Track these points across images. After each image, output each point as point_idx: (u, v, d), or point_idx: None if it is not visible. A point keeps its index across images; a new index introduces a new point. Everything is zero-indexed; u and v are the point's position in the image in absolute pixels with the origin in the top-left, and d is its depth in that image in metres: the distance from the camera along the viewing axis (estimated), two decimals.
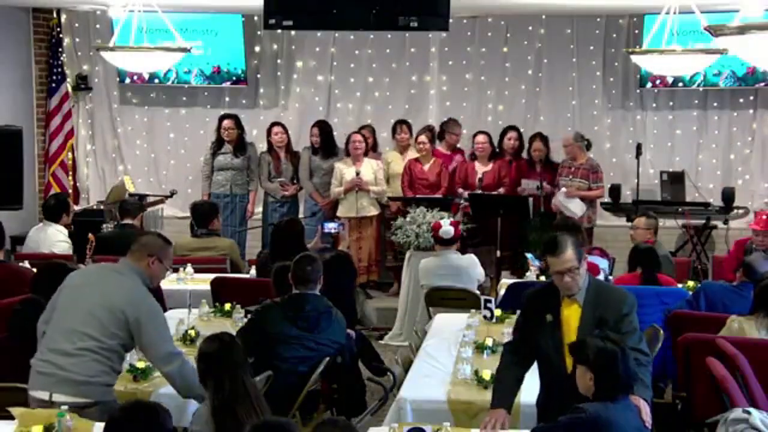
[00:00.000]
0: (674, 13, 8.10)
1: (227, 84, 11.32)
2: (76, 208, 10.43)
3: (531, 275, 8.04)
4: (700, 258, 10.11)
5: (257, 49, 11.37)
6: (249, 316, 6.07)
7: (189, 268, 7.65)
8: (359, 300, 7.28)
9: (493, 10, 10.74)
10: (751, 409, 4.60)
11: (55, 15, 11.26)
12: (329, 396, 5.55)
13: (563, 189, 9.51)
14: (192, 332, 5.89)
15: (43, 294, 4.95)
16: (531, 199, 9.42)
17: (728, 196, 10.20)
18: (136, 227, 8.19)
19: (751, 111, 10.90)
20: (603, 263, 7.27)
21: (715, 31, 6.33)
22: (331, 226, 8.41)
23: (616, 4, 10.09)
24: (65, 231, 8.16)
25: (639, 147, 10.07)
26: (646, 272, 6.83)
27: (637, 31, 10.72)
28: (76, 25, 11.46)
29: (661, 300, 6.49)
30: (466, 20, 11.06)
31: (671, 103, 11.03)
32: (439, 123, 10.58)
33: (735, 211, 10.26)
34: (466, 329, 6.04)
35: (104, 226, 8.91)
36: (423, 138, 9.85)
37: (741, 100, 10.87)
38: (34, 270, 6.40)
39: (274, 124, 10.32)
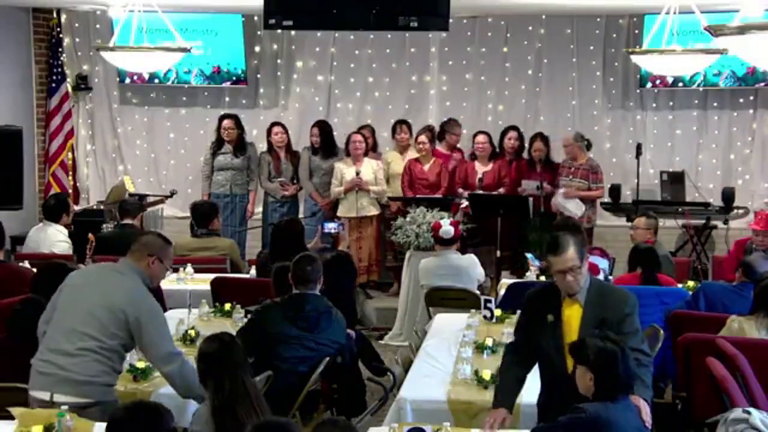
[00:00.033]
0: (674, 13, 8.10)
1: (227, 84, 11.32)
2: (76, 208, 10.43)
3: (531, 275, 8.05)
4: (700, 258, 10.12)
5: (257, 49, 11.37)
6: (249, 316, 6.07)
7: (189, 268, 7.65)
8: (359, 300, 7.29)
9: (493, 10, 10.74)
10: (751, 409, 4.60)
11: (55, 15, 11.26)
12: (329, 396, 5.55)
13: (562, 189, 9.52)
14: (192, 332, 5.89)
15: (43, 294, 4.95)
16: (531, 199, 9.42)
17: (728, 196, 10.20)
18: (136, 227, 8.19)
19: (751, 111, 10.90)
20: (603, 263, 7.27)
21: (715, 31, 6.33)
22: (331, 226, 8.41)
23: (616, 4, 10.09)
24: (65, 231, 8.16)
25: (639, 147, 10.08)
26: (646, 272, 6.83)
27: (637, 31, 10.72)
28: (76, 25, 11.46)
29: (661, 300, 6.49)
30: (466, 20, 11.06)
31: (671, 103, 11.03)
32: (439, 123, 10.58)
33: (735, 211, 10.26)
34: (466, 329, 6.04)
35: (104, 226, 8.90)
36: (423, 138, 9.85)
37: (741, 100, 10.87)
38: (34, 270, 6.40)
39: (274, 124, 10.32)
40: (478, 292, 7.56)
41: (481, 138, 9.88)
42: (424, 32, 10.44)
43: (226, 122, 10.16)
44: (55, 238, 8.06)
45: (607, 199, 10.33)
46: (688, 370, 5.74)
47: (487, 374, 5.02)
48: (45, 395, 4.43)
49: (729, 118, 10.93)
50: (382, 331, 8.80)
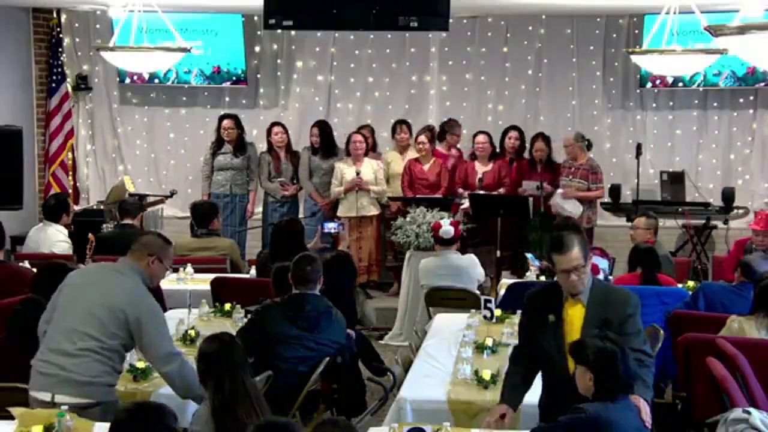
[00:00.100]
0: (674, 13, 8.10)
1: (227, 84, 11.32)
2: (76, 208, 10.43)
3: (531, 275, 8.05)
4: (700, 258, 10.12)
5: (257, 49, 11.37)
6: (249, 316, 6.07)
7: (189, 268, 7.64)
8: (359, 300, 7.28)
9: (493, 10, 10.74)
10: (751, 409, 4.60)
11: (55, 15, 11.26)
12: (329, 396, 5.55)
13: (560, 190, 9.51)
14: (192, 332, 5.89)
15: (43, 294, 4.95)
16: (531, 199, 9.42)
17: (728, 196, 10.20)
18: (136, 227, 8.19)
19: (751, 111, 10.90)
20: (603, 263, 7.27)
21: (715, 31, 6.33)
22: (331, 226, 8.41)
23: (616, 4, 10.09)
24: (65, 231, 8.16)
25: (639, 147, 10.08)
26: (646, 272, 6.83)
27: (637, 31, 10.72)
28: (76, 25, 11.46)
29: (661, 300, 6.49)
30: (466, 20, 11.06)
31: (671, 103, 11.03)
32: (439, 123, 10.58)
33: (735, 211, 10.26)
34: (466, 329, 6.04)
35: (104, 226, 8.90)
36: (423, 138, 9.85)
37: (741, 100, 10.87)
38: (34, 270, 6.40)
39: (274, 124, 10.32)
40: (478, 292, 7.56)
41: (481, 138, 9.88)
42: (424, 32, 10.44)
43: (225, 122, 10.16)
44: (55, 238, 8.06)
45: (607, 199, 10.33)
46: (688, 370, 5.74)
47: (487, 374, 5.02)
48: (46, 396, 4.42)
49: (729, 118, 10.93)
50: (382, 331, 8.80)
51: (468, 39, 11.16)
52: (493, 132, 10.19)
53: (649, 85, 10.82)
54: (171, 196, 10.45)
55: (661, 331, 5.97)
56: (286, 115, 11.25)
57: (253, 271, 7.69)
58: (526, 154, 10.06)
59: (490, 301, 6.66)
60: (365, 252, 9.77)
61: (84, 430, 4.14)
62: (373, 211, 9.79)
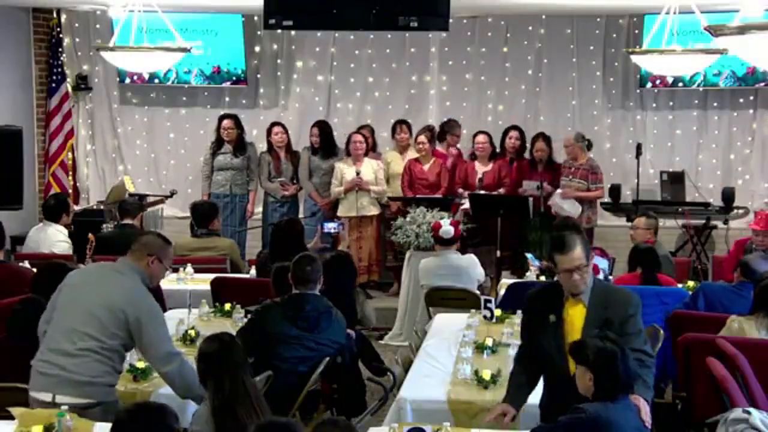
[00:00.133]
0: (674, 13, 8.10)
1: (227, 84, 11.32)
2: (76, 208, 10.44)
3: (531, 275, 8.05)
4: (700, 258, 10.12)
5: (257, 49, 11.37)
6: (249, 316, 6.07)
7: (189, 268, 7.65)
8: (359, 300, 7.27)
9: (493, 10, 10.74)
10: (751, 409, 4.60)
11: (55, 15, 11.26)
12: (329, 396, 5.55)
13: (559, 190, 9.51)
14: (192, 332, 5.89)
15: (43, 294, 4.95)
16: (531, 199, 9.41)
17: (728, 196, 10.20)
18: (136, 227, 8.19)
19: (751, 111, 10.90)
20: (603, 263, 7.26)
21: (715, 31, 6.33)
22: (331, 226, 8.42)
23: (616, 4, 10.09)
24: (65, 231, 8.16)
25: (639, 147, 10.07)
26: (646, 272, 6.83)
27: (637, 31, 10.72)
28: (76, 25, 11.46)
29: (661, 300, 6.49)
30: (466, 20, 11.06)
31: (671, 103, 11.03)
32: (439, 123, 10.58)
33: (735, 211, 10.26)
34: (466, 329, 6.04)
35: (104, 226, 8.90)
36: (422, 138, 9.84)
37: (741, 100, 10.87)
38: (34, 270, 6.40)
39: (274, 124, 10.32)
40: (478, 292, 7.56)
41: (481, 138, 9.88)
42: (424, 32, 10.44)
43: (225, 122, 10.16)
44: (55, 238, 8.06)
45: (607, 199, 10.33)
46: (688, 370, 5.74)
47: (487, 374, 5.02)
48: (47, 396, 4.42)
49: (729, 118, 10.93)
50: (382, 331, 8.80)
51: (468, 39, 11.16)
52: (493, 132, 10.19)
53: (649, 85, 10.83)
54: (171, 196, 10.44)
55: (661, 331, 5.97)
56: (286, 115, 11.25)
57: (253, 271, 7.69)
58: (527, 154, 10.05)
59: (490, 301, 6.66)
60: (365, 252, 9.77)
61: (84, 430, 4.14)
62: (373, 211, 9.80)
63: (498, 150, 10.02)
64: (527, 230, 9.55)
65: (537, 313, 4.47)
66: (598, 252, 7.65)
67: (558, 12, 10.80)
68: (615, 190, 10.40)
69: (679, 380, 5.98)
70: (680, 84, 10.69)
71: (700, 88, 10.76)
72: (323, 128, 10.14)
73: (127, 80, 11.31)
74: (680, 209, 10.20)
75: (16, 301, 5.33)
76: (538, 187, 9.49)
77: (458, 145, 10.41)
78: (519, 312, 6.29)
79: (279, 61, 11.41)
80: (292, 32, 11.08)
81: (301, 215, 9.88)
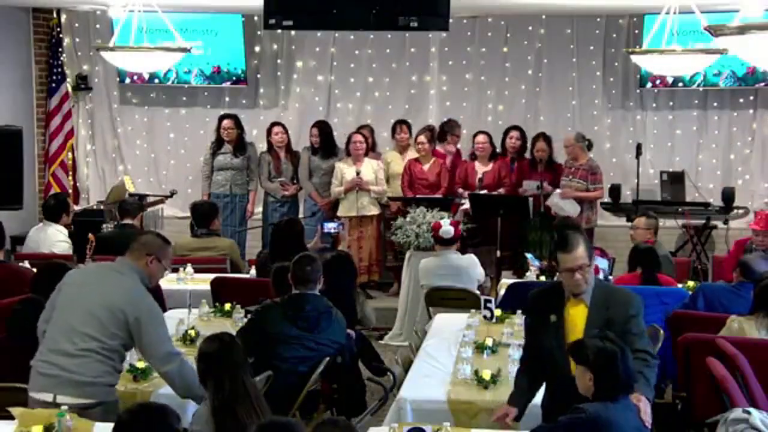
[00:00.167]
0: (674, 13, 8.10)
1: (227, 84, 11.32)
2: (76, 208, 10.44)
3: (531, 275, 8.05)
4: (700, 258, 10.12)
5: (257, 49, 11.37)
6: (249, 316, 6.07)
7: (189, 268, 7.65)
8: (359, 300, 7.27)
9: (493, 10, 10.74)
10: (751, 409, 4.60)
11: (55, 15, 11.26)
12: (329, 396, 5.55)
13: (558, 190, 9.51)
14: (192, 332, 5.88)
15: (43, 294, 4.94)
16: (531, 199, 9.41)
17: (728, 196, 10.20)
18: (136, 227, 8.19)
19: (751, 111, 10.90)
20: (603, 263, 7.26)
21: (715, 31, 6.33)
22: (331, 226, 8.41)
23: (616, 4, 10.09)
24: (65, 231, 8.16)
25: (639, 147, 10.07)
26: (646, 272, 6.83)
27: (637, 31, 10.72)
28: (76, 25, 11.46)
29: (661, 300, 6.49)
30: (466, 20, 11.06)
31: (671, 103, 11.03)
32: (439, 123, 10.57)
33: (735, 211, 10.26)
34: (466, 329, 6.04)
35: (104, 226, 8.90)
36: (422, 138, 9.84)
37: (741, 100, 10.87)
38: (34, 270, 6.40)
39: (274, 124, 10.32)
40: (478, 292, 7.56)
41: (481, 138, 9.87)
42: (424, 32, 10.44)
43: (225, 122, 10.16)
44: (55, 238, 8.06)
45: (607, 199, 10.33)
46: (688, 370, 5.74)
47: (487, 374, 5.02)
48: (48, 396, 4.41)
49: (729, 118, 10.93)
50: (382, 331, 8.80)
51: (468, 39, 11.16)
52: (493, 132, 10.19)
53: (649, 85, 10.82)
54: (171, 196, 10.44)
55: (661, 331, 5.97)
56: (286, 115, 11.25)
57: (253, 271, 7.69)
58: (527, 154, 10.05)
59: (490, 301, 6.66)
60: (365, 252, 9.77)
61: (84, 430, 4.14)
62: (374, 210, 9.80)
63: (498, 150, 10.02)
64: (527, 230, 9.56)
65: (538, 313, 4.47)
66: (598, 252, 7.63)
67: (558, 12, 10.80)
68: (615, 190, 10.40)
69: (679, 380, 5.97)
70: (680, 84, 10.69)
71: (700, 88, 10.76)
72: (323, 128, 10.14)
73: (127, 80, 11.31)
74: (680, 209, 10.20)
75: (16, 301, 5.33)
76: (538, 187, 9.49)
77: (458, 145, 10.41)
78: (519, 312, 6.33)
79: (279, 61, 11.41)
80: (292, 32, 11.08)
81: (301, 215, 9.87)
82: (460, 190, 9.79)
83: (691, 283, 7.51)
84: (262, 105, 11.46)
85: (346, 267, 6.83)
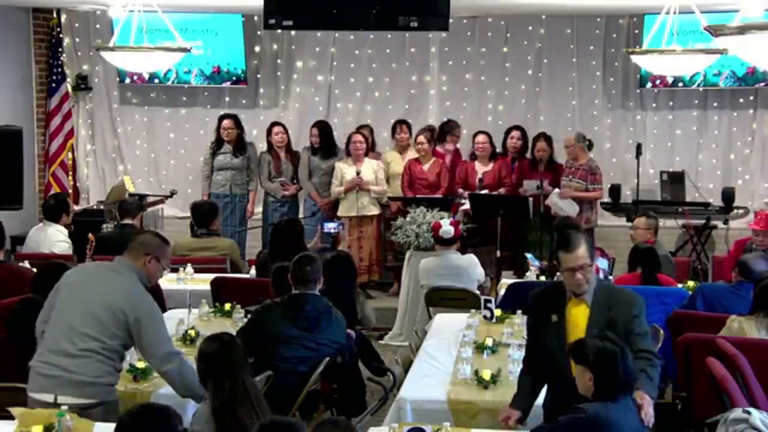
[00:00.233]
0: (674, 13, 8.10)
1: (227, 84, 11.32)
2: (76, 208, 10.44)
3: (531, 275, 8.04)
4: (700, 258, 10.12)
5: (257, 49, 11.37)
6: (249, 316, 6.06)
7: (189, 268, 7.64)
8: (359, 300, 7.27)
9: (493, 10, 10.74)
10: (751, 409, 4.60)
11: (55, 15, 11.26)
12: (329, 396, 5.55)
13: (557, 189, 9.51)
14: (192, 332, 5.88)
15: (43, 294, 4.93)
16: (531, 199, 9.41)
17: (728, 196, 10.20)
18: (136, 227, 8.19)
19: (751, 111, 10.90)
20: (603, 263, 7.26)
21: (715, 31, 6.33)
22: (330, 226, 8.41)
23: (616, 4, 10.09)
24: (65, 231, 8.16)
25: (639, 147, 10.08)
26: (646, 272, 6.83)
27: (637, 31, 10.72)
28: (76, 25, 11.46)
29: (661, 300, 6.49)
30: (466, 20, 11.06)
31: (671, 103, 11.03)
32: (439, 123, 10.57)
33: (735, 211, 10.26)
34: (466, 329, 6.04)
35: (104, 226, 8.90)
36: (422, 138, 9.84)
37: (741, 100, 10.87)
38: (34, 270, 6.40)
39: (274, 124, 10.33)
40: (478, 292, 7.56)
41: (481, 138, 9.87)
42: (424, 32, 10.44)
43: (225, 122, 10.16)
44: (55, 238, 8.06)
45: (607, 199, 10.33)
46: (688, 370, 5.74)
47: (487, 374, 5.02)
48: (48, 397, 4.41)
49: (729, 118, 10.93)
50: (382, 331, 8.80)
51: (468, 39, 11.16)
52: (494, 132, 10.19)
53: (649, 85, 10.82)
54: (171, 196, 10.44)
55: (661, 331, 5.97)
56: (286, 115, 11.25)
57: (253, 271, 7.70)
58: (528, 154, 10.04)
59: (490, 301, 6.66)
60: (366, 252, 9.78)
61: (84, 430, 4.14)
62: (374, 210, 9.80)
63: (499, 150, 10.02)
64: (527, 230, 9.56)
65: (540, 313, 4.46)
66: (598, 252, 7.63)
67: (558, 12, 10.79)
68: (615, 190, 10.40)
69: (679, 380, 5.97)
70: (680, 84, 10.69)
71: (700, 88, 10.76)
72: (323, 128, 10.14)
73: (127, 80, 11.31)
74: (680, 209, 10.20)
75: (16, 301, 5.33)
76: (538, 186, 9.49)
77: (457, 145, 10.41)
78: (519, 312, 6.33)
79: (279, 61, 11.41)
80: (292, 32, 11.08)
81: (301, 215, 9.87)
82: (460, 190, 9.79)
83: (691, 283, 7.51)
84: (262, 105, 11.46)
85: (346, 267, 6.83)
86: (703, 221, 10.29)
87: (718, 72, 10.49)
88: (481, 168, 9.81)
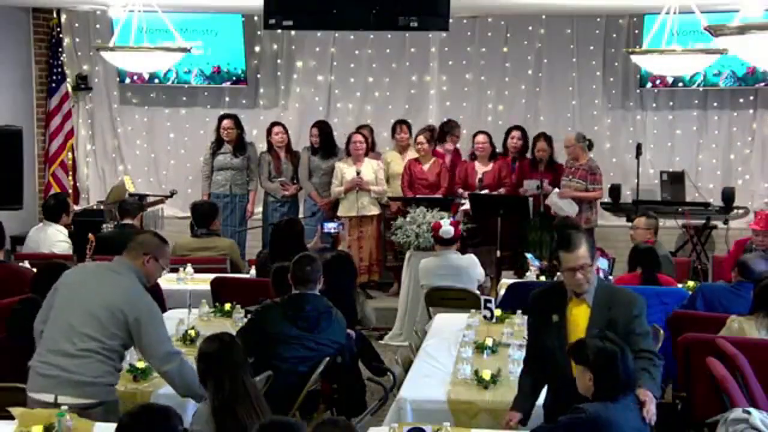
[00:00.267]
0: (674, 13, 8.10)
1: (227, 84, 11.32)
2: (76, 208, 10.44)
3: (531, 275, 8.04)
4: (700, 258, 10.12)
5: (257, 49, 11.37)
6: (249, 316, 6.06)
7: (189, 268, 7.64)
8: (359, 300, 7.27)
9: (493, 10, 10.74)
10: (751, 409, 4.60)
11: (55, 15, 11.26)
12: (329, 396, 5.55)
13: (557, 189, 9.51)
14: (192, 332, 5.88)
15: (43, 294, 4.93)
16: (531, 199, 9.41)
17: (728, 196, 10.20)
18: (136, 227, 8.19)
19: (751, 111, 10.90)
20: (603, 263, 7.26)
21: (715, 31, 6.33)
22: (330, 226, 8.41)
23: (616, 4, 10.09)
24: (65, 231, 8.16)
25: (639, 147, 10.08)
26: (646, 272, 6.83)
27: (637, 31, 10.72)
28: (76, 25, 11.46)
29: (661, 300, 6.49)
30: (466, 20, 11.06)
31: (671, 103, 11.03)
32: (439, 123, 10.57)
33: (735, 211, 10.26)
34: (466, 329, 6.04)
35: (104, 226, 8.90)
36: (422, 138, 9.84)
37: (741, 100, 10.87)
38: (34, 270, 6.40)
39: (274, 124, 10.33)
40: (478, 292, 7.56)
41: (481, 138, 9.87)
42: (424, 32, 10.44)
43: (225, 122, 10.16)
44: (55, 238, 8.06)
45: (607, 199, 10.33)
46: (688, 370, 5.74)
47: (487, 374, 5.02)
48: (48, 397, 4.40)
49: (729, 118, 10.93)
50: (382, 331, 8.80)
51: (468, 39, 11.15)
52: (494, 132, 10.19)
53: (649, 85, 10.82)
54: (171, 196, 10.44)
55: (661, 331, 5.97)
56: (286, 115, 11.25)
57: (253, 271, 7.70)
58: (528, 154, 10.04)
59: (490, 301, 6.66)
60: (366, 252, 9.78)
61: (84, 430, 4.14)
62: (374, 210, 9.80)
63: (499, 150, 10.02)
64: (527, 230, 9.56)
65: (540, 313, 4.46)
66: (598, 252, 7.63)
67: (558, 12, 10.79)
68: (615, 190, 10.40)
69: (679, 380, 5.97)
70: (680, 84, 10.69)
71: (700, 88, 10.76)
72: (323, 128, 10.14)
73: (127, 80, 11.31)
74: (680, 209, 10.20)
75: (16, 301, 5.33)
76: (538, 186, 9.49)
77: (457, 144, 10.41)
78: (519, 312, 6.33)
79: (279, 61, 11.41)
80: (292, 32, 11.08)
81: (301, 215, 9.87)
82: (460, 190, 9.78)
83: (691, 283, 7.51)
84: (262, 105, 11.46)
85: (346, 267, 6.83)
86: (703, 221, 10.29)
87: (718, 72, 10.49)
88: (481, 168, 9.81)
